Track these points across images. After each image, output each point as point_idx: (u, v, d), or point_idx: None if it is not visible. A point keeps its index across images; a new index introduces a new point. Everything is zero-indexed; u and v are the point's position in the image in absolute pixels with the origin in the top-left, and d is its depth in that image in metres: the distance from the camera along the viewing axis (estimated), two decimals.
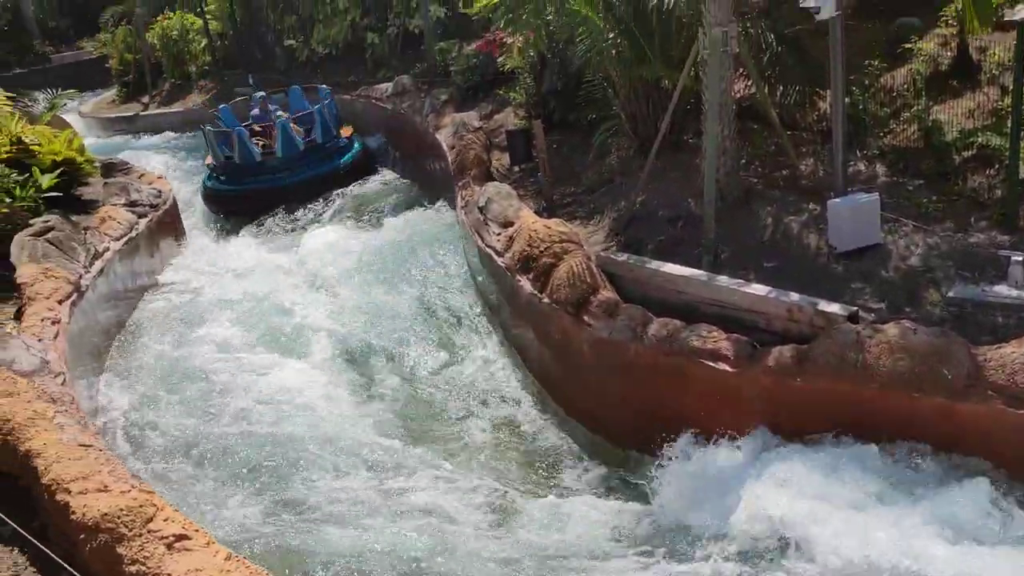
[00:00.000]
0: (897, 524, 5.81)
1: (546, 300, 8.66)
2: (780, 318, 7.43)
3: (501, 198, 10.60)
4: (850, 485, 6.16)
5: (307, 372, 9.85)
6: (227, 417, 8.73)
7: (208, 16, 27.05)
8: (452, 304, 11.24)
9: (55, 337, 8.14)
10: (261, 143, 17.22)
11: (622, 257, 8.87)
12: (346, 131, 18.32)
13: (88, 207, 11.91)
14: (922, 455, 6.28)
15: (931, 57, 10.02)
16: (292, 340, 10.56)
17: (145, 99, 27.86)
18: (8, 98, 12.48)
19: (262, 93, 18.64)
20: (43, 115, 15.04)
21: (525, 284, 9.07)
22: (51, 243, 9.95)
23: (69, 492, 5.04)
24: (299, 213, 15.91)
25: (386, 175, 17.49)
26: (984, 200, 8.39)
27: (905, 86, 9.85)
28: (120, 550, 4.61)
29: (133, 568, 4.51)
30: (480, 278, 11.08)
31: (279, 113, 17.69)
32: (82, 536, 4.79)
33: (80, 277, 9.80)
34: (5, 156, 10.88)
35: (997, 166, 8.53)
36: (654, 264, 8.54)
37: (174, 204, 14.40)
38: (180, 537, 4.64)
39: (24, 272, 9.10)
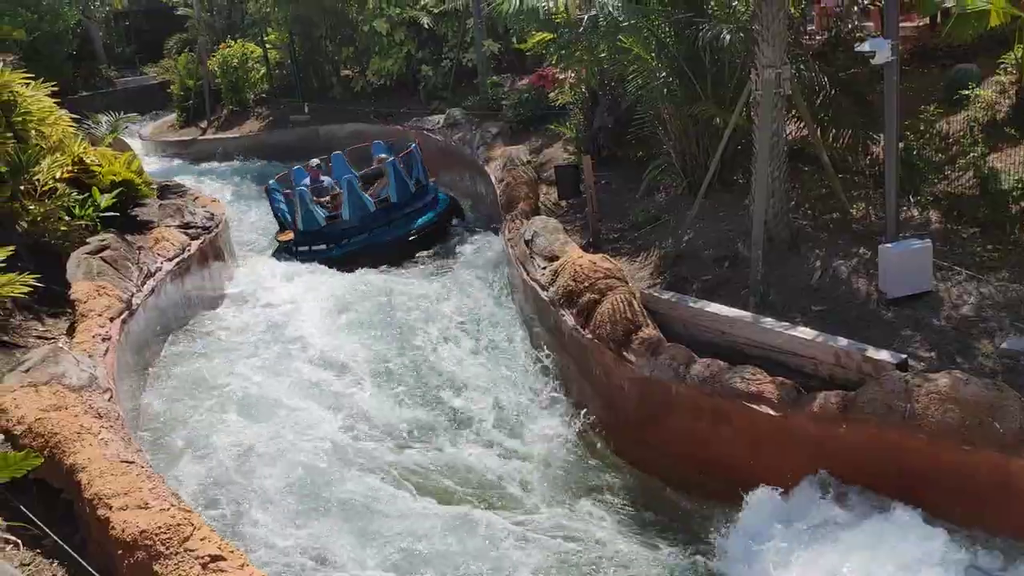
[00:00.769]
0: None
1: (588, 335, 8.62)
2: (826, 363, 7.30)
3: (548, 232, 10.62)
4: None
5: (347, 385, 9.96)
6: (264, 440, 8.75)
7: (268, 45, 27.78)
8: (495, 337, 11.25)
9: (105, 353, 8.30)
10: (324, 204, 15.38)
11: (666, 295, 8.81)
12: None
13: (143, 227, 12.19)
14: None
15: (989, 104, 9.87)
16: (331, 363, 10.65)
17: (203, 124, 28.60)
18: (73, 120, 12.88)
19: (316, 161, 16.50)
20: (105, 137, 15.52)
21: (568, 318, 9.04)
22: (106, 261, 10.19)
23: (110, 507, 5.11)
24: None
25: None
26: None
27: (961, 133, 9.70)
28: (156, 568, 4.65)
29: None
30: (524, 311, 11.08)
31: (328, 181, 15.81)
32: (120, 552, 4.85)
33: (132, 296, 10.01)
34: (67, 176, 11.20)
35: None
36: (699, 303, 8.47)
37: (226, 227, 14.69)
38: (215, 558, 4.67)
39: (78, 289, 9.32)
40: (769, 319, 7.94)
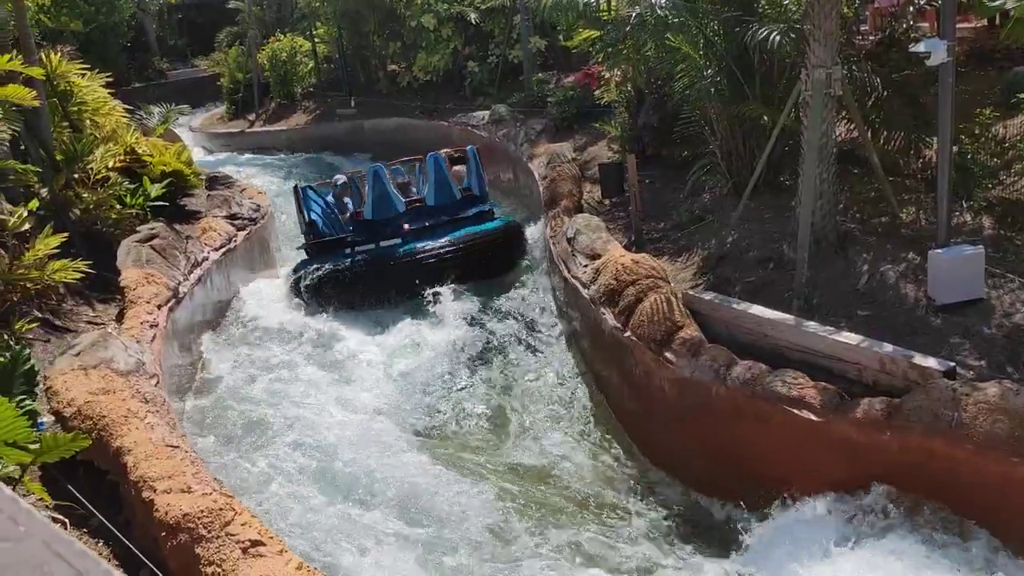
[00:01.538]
0: None
1: (629, 335, 8.58)
2: (871, 369, 7.17)
3: (590, 230, 10.59)
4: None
5: (380, 386, 10.04)
6: (297, 431, 8.83)
7: (316, 40, 28.10)
8: (536, 332, 11.25)
9: (152, 340, 8.48)
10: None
11: (708, 296, 8.72)
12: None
13: (191, 217, 12.42)
14: None
15: None
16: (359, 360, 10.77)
17: (251, 117, 29.02)
18: (126, 110, 13.16)
19: (342, 178, 13.91)
20: (156, 128, 15.85)
21: (609, 317, 9.01)
22: (155, 249, 10.40)
23: (154, 490, 5.22)
24: None
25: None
26: None
27: (1018, 137, 9.46)
28: (198, 550, 4.73)
29: (209, 569, 4.62)
30: (565, 308, 11.06)
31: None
32: (163, 534, 4.94)
33: (179, 284, 10.21)
34: (119, 165, 11.46)
35: None
36: (742, 305, 8.38)
37: (272, 219, 14.89)
38: (255, 543, 4.74)
39: (128, 276, 9.52)
40: (813, 323, 7.82)
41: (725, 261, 9.54)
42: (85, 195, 10.58)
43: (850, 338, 7.41)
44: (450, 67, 22.58)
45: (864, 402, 6.72)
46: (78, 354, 7.24)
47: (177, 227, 11.62)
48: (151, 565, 4.76)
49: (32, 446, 5.01)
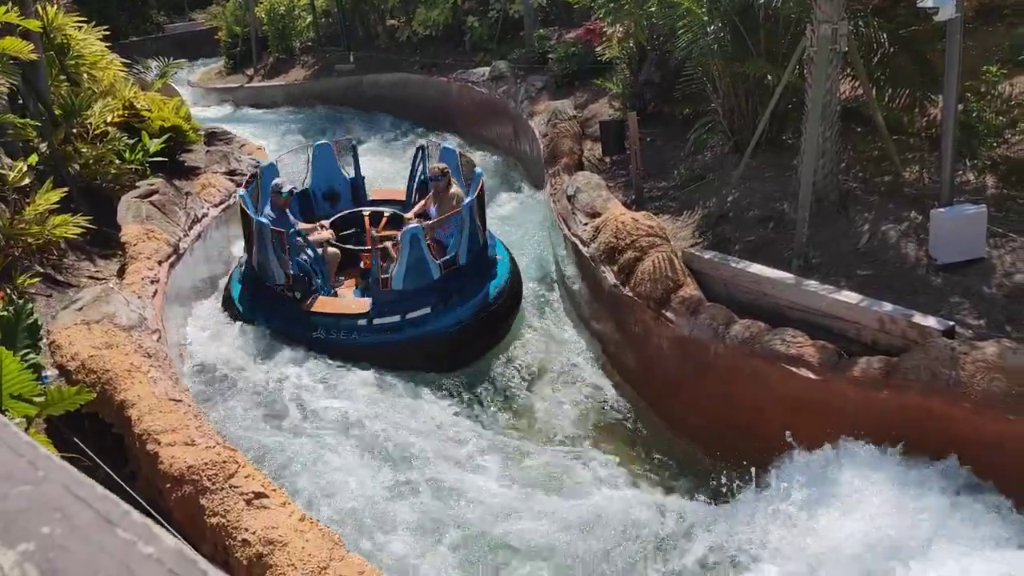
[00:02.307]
0: None
1: (628, 293, 8.60)
2: (870, 328, 7.20)
3: (590, 188, 10.55)
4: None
5: None
6: (291, 386, 8.85)
7: None
8: (535, 289, 11.28)
9: (153, 296, 8.50)
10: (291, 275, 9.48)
11: (708, 255, 8.73)
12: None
13: (190, 173, 12.36)
14: None
15: None
16: None
17: (250, 71, 28.71)
18: (123, 65, 13.02)
19: (288, 187, 10.09)
20: (154, 82, 15.67)
21: (608, 275, 9.02)
22: (154, 205, 10.37)
23: (159, 443, 5.28)
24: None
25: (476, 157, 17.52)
26: None
27: None
28: (203, 502, 4.81)
29: (213, 520, 4.70)
30: (564, 266, 11.08)
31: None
32: (168, 486, 5.02)
33: (179, 240, 10.20)
34: (118, 120, 11.37)
35: None
36: (741, 264, 8.38)
37: None
38: (259, 495, 4.81)
39: (128, 232, 9.51)
40: (813, 282, 7.83)
41: (725, 220, 9.52)
42: (84, 150, 10.52)
43: (850, 297, 7.44)
44: (450, 22, 22.27)
45: (863, 360, 6.77)
46: (80, 309, 7.27)
47: (176, 183, 11.57)
48: (156, 516, 4.83)
49: (37, 399, 5.06)
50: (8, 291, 7.65)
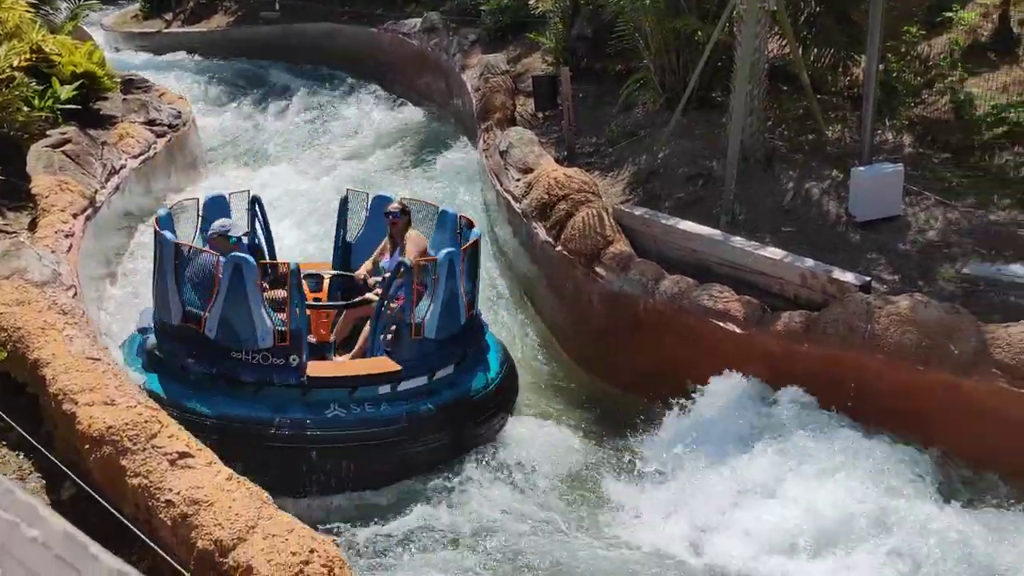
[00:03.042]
0: None
1: (560, 249, 8.63)
2: (793, 283, 7.40)
3: (523, 144, 10.50)
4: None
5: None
6: None
7: None
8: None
9: (68, 250, 8.16)
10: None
11: (639, 211, 8.80)
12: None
13: (106, 122, 11.83)
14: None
15: (971, 27, 9.79)
16: None
17: (168, 16, 27.53)
18: (30, 5, 12.30)
19: (237, 234, 7.22)
20: (64, 25, 14.84)
21: (540, 232, 9.03)
22: (68, 156, 9.91)
23: (76, 403, 5.10)
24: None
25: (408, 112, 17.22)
26: (1010, 178, 8.28)
27: (942, 56, 9.65)
28: (123, 462, 4.67)
29: (135, 480, 4.57)
30: (495, 222, 11.03)
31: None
32: (87, 447, 4.86)
33: (96, 192, 9.79)
34: (24, 64, 10.76)
35: None
36: (671, 220, 8.48)
37: (194, 126, 14.29)
38: (183, 455, 4.70)
39: (39, 183, 9.08)
40: (739, 238, 7.99)
41: (656, 177, 9.60)
42: None
43: (774, 253, 7.62)
44: None
45: (785, 315, 6.97)
46: None
47: (91, 132, 11.06)
48: (74, 477, 4.69)
49: None
50: None
